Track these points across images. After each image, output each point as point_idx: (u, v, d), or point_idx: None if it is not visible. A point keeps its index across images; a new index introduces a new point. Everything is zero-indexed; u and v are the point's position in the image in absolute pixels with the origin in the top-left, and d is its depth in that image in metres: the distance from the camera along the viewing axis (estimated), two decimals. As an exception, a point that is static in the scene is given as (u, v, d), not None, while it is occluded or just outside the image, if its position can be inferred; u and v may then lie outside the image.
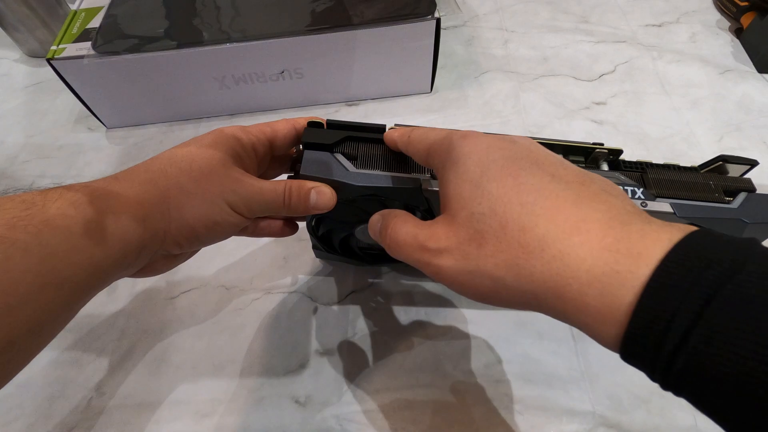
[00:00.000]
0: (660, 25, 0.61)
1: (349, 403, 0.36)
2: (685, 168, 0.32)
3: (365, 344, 0.38)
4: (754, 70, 0.55)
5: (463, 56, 0.59)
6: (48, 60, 0.46)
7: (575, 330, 0.38)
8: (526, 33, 0.61)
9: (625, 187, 0.29)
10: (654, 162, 0.32)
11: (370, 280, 0.42)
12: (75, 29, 0.49)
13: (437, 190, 0.29)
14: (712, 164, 0.32)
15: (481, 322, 0.39)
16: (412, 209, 0.33)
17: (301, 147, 0.32)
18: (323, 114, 0.54)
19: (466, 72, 0.57)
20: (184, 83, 0.50)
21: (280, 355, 0.38)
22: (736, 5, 0.59)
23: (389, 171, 0.30)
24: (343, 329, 0.39)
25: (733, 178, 0.32)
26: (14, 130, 0.55)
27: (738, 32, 0.59)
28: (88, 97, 0.50)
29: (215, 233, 0.28)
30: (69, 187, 0.24)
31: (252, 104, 0.54)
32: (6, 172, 0.51)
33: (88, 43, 0.46)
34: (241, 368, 0.38)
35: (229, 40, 0.46)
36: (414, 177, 0.30)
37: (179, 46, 0.46)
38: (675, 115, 0.52)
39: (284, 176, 0.33)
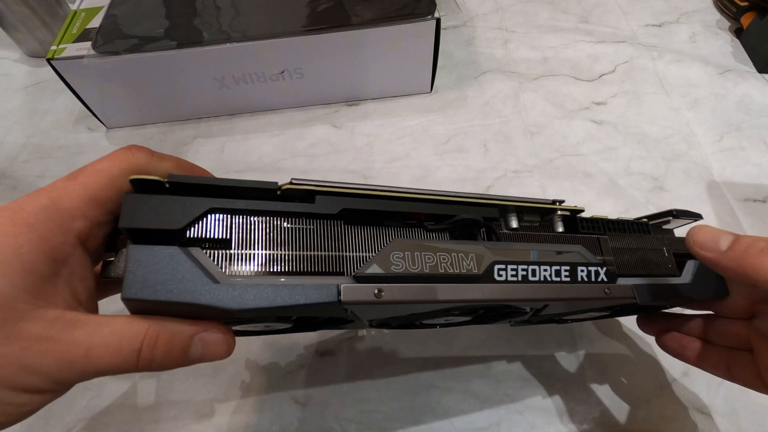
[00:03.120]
0: (660, 25, 0.61)
1: (349, 403, 0.36)
2: (637, 225, 0.29)
3: (365, 344, 0.38)
4: (754, 70, 0.55)
5: (463, 56, 0.59)
6: (48, 60, 0.46)
7: (575, 330, 0.39)
8: (526, 33, 0.61)
9: (589, 268, 0.25)
10: (609, 218, 0.29)
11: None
12: (75, 29, 0.49)
13: (370, 301, 0.20)
14: (661, 218, 0.30)
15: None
16: (337, 320, 0.24)
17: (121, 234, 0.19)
18: (323, 114, 0.54)
19: (466, 72, 0.57)
20: (184, 83, 0.50)
21: (280, 355, 0.38)
22: (736, 5, 0.59)
23: (288, 272, 0.19)
24: (343, 330, 0.39)
25: (680, 240, 0.29)
26: (14, 130, 0.55)
27: (738, 32, 0.59)
28: (88, 97, 0.50)
29: None
30: None
31: (252, 104, 0.54)
32: (6, 172, 0.51)
33: (88, 43, 0.46)
34: (241, 368, 0.38)
35: (229, 40, 0.46)
36: (328, 282, 0.19)
37: (179, 46, 0.46)
38: (675, 115, 0.52)
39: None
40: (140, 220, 0.18)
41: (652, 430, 0.34)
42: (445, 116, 0.53)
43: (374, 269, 0.20)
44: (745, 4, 0.58)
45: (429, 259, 0.22)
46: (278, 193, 0.21)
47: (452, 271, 0.22)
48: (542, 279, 0.24)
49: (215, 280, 0.17)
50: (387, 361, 0.38)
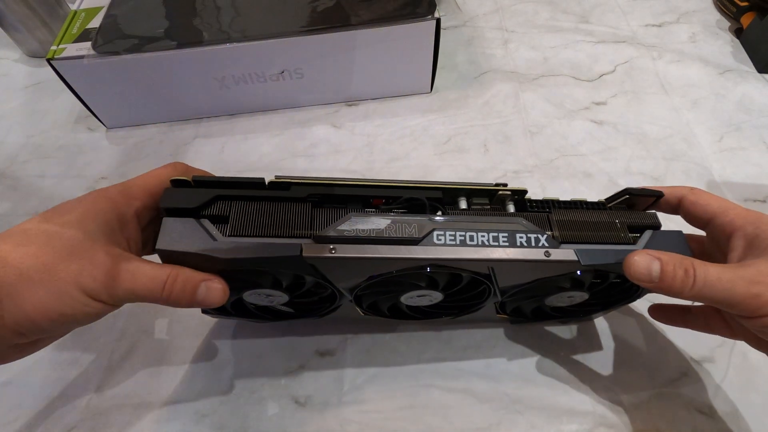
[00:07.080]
0: (660, 25, 0.61)
1: (349, 403, 0.36)
2: (591, 204, 0.31)
3: (365, 345, 0.38)
4: (754, 70, 0.55)
5: (463, 56, 0.59)
6: (48, 60, 0.46)
7: (576, 330, 0.39)
8: (526, 33, 0.61)
9: (528, 235, 0.27)
10: (560, 200, 0.31)
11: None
12: (75, 29, 0.49)
13: (325, 257, 0.26)
14: (618, 198, 0.31)
15: (480, 323, 0.39)
16: (296, 281, 0.29)
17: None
18: (323, 114, 0.54)
19: (466, 72, 0.57)
20: (184, 83, 0.50)
21: (280, 355, 0.38)
22: (736, 5, 0.59)
23: (264, 235, 0.26)
24: (343, 330, 0.39)
25: (640, 214, 0.30)
26: (14, 130, 0.55)
27: (738, 32, 0.59)
28: (88, 97, 0.50)
29: (65, 325, 0.24)
30: None
31: (252, 104, 0.54)
32: (6, 172, 0.51)
33: (88, 43, 0.46)
34: (241, 368, 0.38)
35: (229, 40, 0.46)
36: (293, 242, 0.26)
37: (179, 46, 0.46)
38: (675, 115, 0.52)
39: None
40: (172, 201, 0.26)
41: (652, 430, 0.34)
42: (445, 116, 0.53)
43: (329, 232, 0.26)
44: (745, 4, 0.58)
45: (377, 225, 0.27)
46: (266, 185, 0.28)
47: (396, 235, 0.27)
48: (480, 243, 0.27)
49: (214, 239, 0.26)
50: (387, 362, 0.38)
